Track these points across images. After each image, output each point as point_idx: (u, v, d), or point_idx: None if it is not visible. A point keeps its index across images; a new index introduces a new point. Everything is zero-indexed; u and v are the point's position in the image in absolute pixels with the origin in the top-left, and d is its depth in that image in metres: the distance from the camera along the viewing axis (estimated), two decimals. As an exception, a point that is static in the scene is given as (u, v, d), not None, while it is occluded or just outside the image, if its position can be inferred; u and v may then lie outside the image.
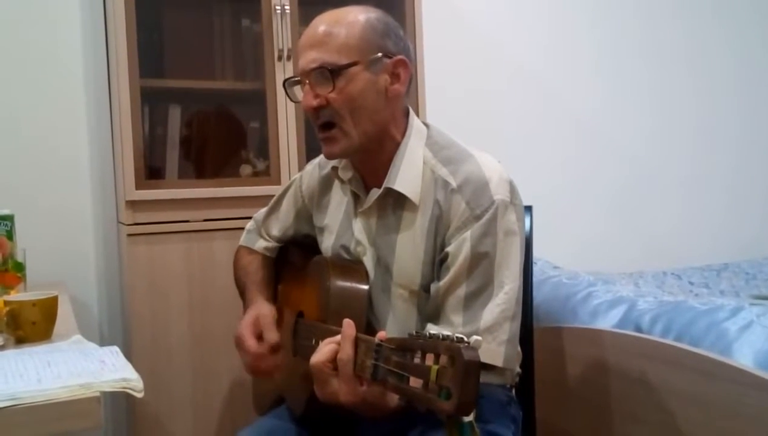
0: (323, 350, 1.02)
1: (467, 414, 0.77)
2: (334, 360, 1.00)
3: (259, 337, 1.31)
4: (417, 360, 0.82)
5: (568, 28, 2.84)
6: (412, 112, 1.28)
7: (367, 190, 1.29)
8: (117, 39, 1.81)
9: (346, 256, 1.33)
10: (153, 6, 1.99)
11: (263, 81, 1.98)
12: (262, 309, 1.35)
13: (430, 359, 0.80)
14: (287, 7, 1.95)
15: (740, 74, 3.15)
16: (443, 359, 0.78)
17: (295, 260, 1.50)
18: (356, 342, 0.98)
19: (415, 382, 0.82)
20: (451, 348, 0.77)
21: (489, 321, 1.14)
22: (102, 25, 2.09)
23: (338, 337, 1.01)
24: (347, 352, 0.98)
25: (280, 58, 1.94)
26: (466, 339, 0.78)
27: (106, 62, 2.10)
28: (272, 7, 1.94)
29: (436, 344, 0.79)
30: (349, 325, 1.00)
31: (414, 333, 0.85)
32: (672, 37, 3.02)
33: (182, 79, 2.02)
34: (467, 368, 0.75)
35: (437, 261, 1.21)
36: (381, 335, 0.94)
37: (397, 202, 1.24)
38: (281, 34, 1.94)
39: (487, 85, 2.68)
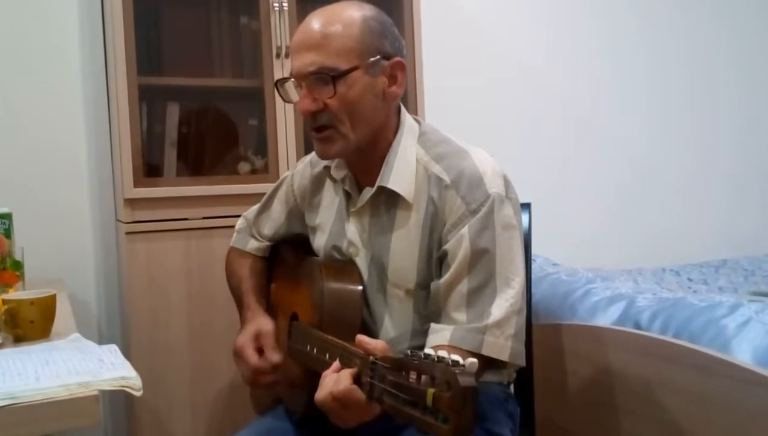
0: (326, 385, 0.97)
1: None
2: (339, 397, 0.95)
3: (260, 351, 1.29)
4: (412, 380, 0.81)
5: (568, 24, 2.83)
6: (403, 110, 1.27)
7: (360, 189, 1.28)
8: (115, 36, 1.80)
9: (338, 256, 1.31)
10: (151, 3, 1.98)
11: (261, 78, 1.97)
12: (263, 325, 1.32)
13: (425, 381, 0.79)
14: (285, 4, 1.94)
15: (740, 71, 3.14)
16: (439, 382, 0.77)
17: (287, 257, 1.48)
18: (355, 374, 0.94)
19: (409, 403, 0.81)
20: (447, 373, 0.76)
21: (498, 316, 1.12)
22: (100, 22, 2.08)
23: (336, 365, 0.97)
24: (346, 385, 0.93)
25: (278, 55, 1.94)
26: (461, 362, 0.78)
27: (104, 59, 2.09)
28: (270, 4, 1.94)
29: (432, 367, 0.78)
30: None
31: (409, 353, 0.84)
32: (672, 34, 3.01)
33: (180, 77, 2.01)
34: (464, 394, 0.74)
35: (435, 259, 1.20)
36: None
37: (390, 200, 1.23)
38: (279, 31, 1.94)
39: (486, 82, 2.67)
